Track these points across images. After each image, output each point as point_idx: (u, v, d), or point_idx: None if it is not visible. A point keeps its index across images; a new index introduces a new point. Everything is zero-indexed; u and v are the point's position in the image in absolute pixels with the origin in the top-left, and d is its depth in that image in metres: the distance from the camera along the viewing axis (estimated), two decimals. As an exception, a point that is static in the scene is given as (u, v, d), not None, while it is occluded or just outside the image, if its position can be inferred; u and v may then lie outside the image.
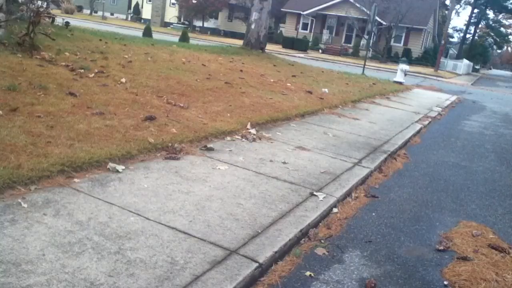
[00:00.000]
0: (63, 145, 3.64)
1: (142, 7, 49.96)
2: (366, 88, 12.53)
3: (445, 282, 2.81)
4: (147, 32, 22.34)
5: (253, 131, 5.45)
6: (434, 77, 26.45)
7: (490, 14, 60.02)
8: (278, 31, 43.30)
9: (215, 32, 44.26)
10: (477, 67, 54.12)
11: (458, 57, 47.99)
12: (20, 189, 2.91)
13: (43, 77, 5.86)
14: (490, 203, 4.52)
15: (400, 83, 16.33)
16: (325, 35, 40.58)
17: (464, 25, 69.74)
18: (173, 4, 46.35)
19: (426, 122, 8.84)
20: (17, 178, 2.94)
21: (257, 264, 2.54)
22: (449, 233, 3.55)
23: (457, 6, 57.51)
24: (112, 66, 7.69)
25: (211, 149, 4.50)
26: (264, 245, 2.76)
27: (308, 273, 2.72)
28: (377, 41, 36.29)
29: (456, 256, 3.15)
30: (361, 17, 34.79)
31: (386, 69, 26.91)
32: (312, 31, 40.85)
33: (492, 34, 62.58)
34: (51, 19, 8.74)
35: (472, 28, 59.00)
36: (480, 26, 61.20)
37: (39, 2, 8.97)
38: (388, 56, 35.49)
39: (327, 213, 3.57)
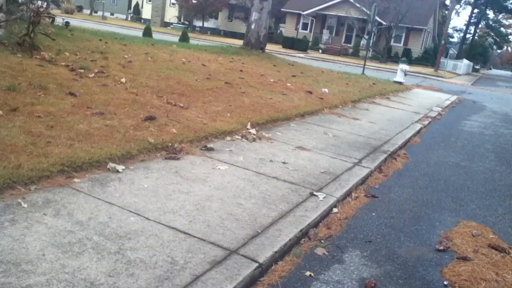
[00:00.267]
0: (63, 145, 3.64)
1: (142, 7, 49.96)
2: (366, 88, 12.53)
3: (445, 282, 2.81)
4: (147, 32, 22.34)
5: (253, 131, 5.45)
6: (434, 77, 26.45)
7: (490, 14, 60.07)
8: (278, 31, 43.30)
9: (215, 32, 44.26)
10: (477, 67, 54.12)
11: (458, 57, 47.98)
12: (20, 189, 2.91)
13: (43, 77, 5.86)
14: (490, 203, 4.52)
15: (400, 83, 16.34)
16: (325, 35, 40.58)
17: (464, 25, 69.77)
18: (173, 4, 46.35)
19: (426, 122, 8.84)
20: (17, 178, 2.94)
21: (257, 264, 2.54)
22: (449, 233, 3.55)
23: (457, 6, 57.54)
24: (112, 66, 7.69)
25: (211, 149, 4.50)
26: (264, 245, 2.76)
27: (308, 273, 2.72)
28: (377, 41, 36.29)
29: (456, 256, 3.15)
30: (361, 17, 34.77)
31: (386, 69, 26.92)
32: (312, 31, 40.85)
33: (492, 34, 62.58)
34: (51, 19, 8.76)
35: (472, 28, 59.05)
36: (480, 26, 61.21)
37: (39, 2, 8.97)
38: (388, 56, 35.49)
39: (327, 213, 3.57)
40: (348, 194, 4.06)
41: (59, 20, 11.13)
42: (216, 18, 46.07)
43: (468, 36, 58.87)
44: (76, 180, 3.22)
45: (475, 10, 56.76)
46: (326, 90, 10.28)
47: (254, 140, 5.15)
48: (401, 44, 38.18)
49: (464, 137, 8.10)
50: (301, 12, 40.04)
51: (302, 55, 29.31)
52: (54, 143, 3.64)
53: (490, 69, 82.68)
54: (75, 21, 19.60)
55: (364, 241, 3.26)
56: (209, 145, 4.58)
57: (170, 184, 3.48)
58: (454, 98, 14.97)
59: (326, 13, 39.58)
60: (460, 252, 3.21)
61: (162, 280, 2.24)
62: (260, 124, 5.89)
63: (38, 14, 7.43)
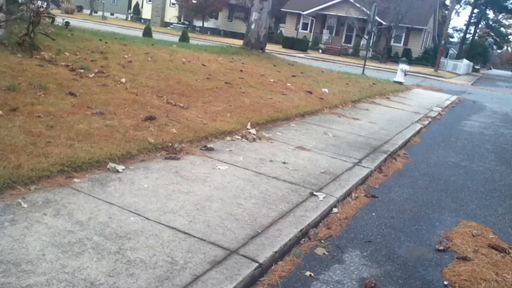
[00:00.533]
0: (63, 145, 3.64)
1: (142, 7, 49.96)
2: (366, 88, 12.53)
3: (445, 282, 2.81)
4: (147, 32, 22.34)
5: (253, 131, 5.45)
6: (434, 77, 26.45)
7: (490, 14, 60.08)
8: (278, 31, 43.30)
9: (215, 32, 44.26)
10: (477, 67, 54.12)
11: (458, 57, 47.98)
12: (20, 189, 2.91)
13: (43, 77, 5.86)
14: (490, 203, 4.52)
15: (400, 83, 16.34)
16: (325, 35, 40.58)
17: (464, 25, 69.79)
18: (173, 4, 46.35)
19: (426, 122, 8.84)
20: (17, 178, 2.94)
21: (257, 264, 2.54)
22: (449, 233, 3.55)
23: (457, 6, 57.56)
24: (112, 66, 7.69)
25: (211, 149, 4.50)
26: (264, 245, 2.76)
27: (308, 273, 2.72)
28: (377, 41, 36.29)
29: (456, 256, 3.15)
30: (361, 17, 34.78)
31: (386, 69, 26.92)
32: (312, 31, 40.85)
33: (492, 34, 62.59)
34: (51, 19, 8.76)
35: (472, 28, 59.05)
36: (480, 26, 61.22)
37: (39, 2, 8.97)
38: (388, 56, 35.49)
39: (327, 213, 3.57)
40: (348, 194, 4.06)
41: (59, 20, 11.13)
42: (216, 18, 46.07)
43: (468, 36, 58.91)
44: (76, 180, 3.22)
45: (475, 10, 56.78)
46: (326, 90, 10.28)
47: (254, 140, 5.15)
48: (401, 44, 38.19)
49: (464, 137, 8.10)
50: (301, 12, 40.04)
51: (302, 55, 29.31)
52: (54, 143, 3.64)
53: (490, 69, 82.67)
54: (75, 21, 19.60)
55: (364, 241, 3.26)
56: (209, 145, 4.58)
57: (170, 184, 3.48)
58: (454, 98, 14.97)
59: (326, 13, 39.58)
60: (460, 252, 3.21)
61: (162, 280, 2.24)
62: (260, 124, 5.89)
63: (38, 14, 7.43)
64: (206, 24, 43.91)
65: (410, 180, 4.95)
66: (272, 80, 10.30)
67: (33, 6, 8.14)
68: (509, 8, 55.83)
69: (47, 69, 6.38)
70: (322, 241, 3.14)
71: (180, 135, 4.59)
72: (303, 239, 3.12)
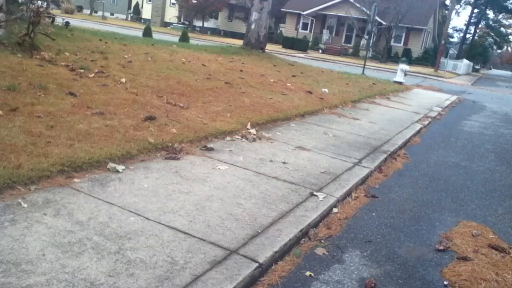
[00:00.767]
0: (63, 145, 3.64)
1: (142, 7, 49.96)
2: (366, 88, 12.53)
3: (445, 282, 2.81)
4: (147, 32, 22.33)
5: (253, 131, 5.45)
6: (434, 77, 26.44)
7: (490, 14, 60.08)
8: (278, 31, 43.30)
9: (215, 32, 44.26)
10: (477, 67, 54.12)
11: (458, 57, 47.98)
12: (20, 189, 2.91)
13: (43, 77, 5.86)
14: (490, 203, 4.52)
15: (400, 83, 16.34)
16: (325, 35, 40.57)
17: (464, 25, 69.80)
18: (173, 4, 46.35)
19: (426, 122, 8.84)
20: (17, 178, 2.94)
21: (257, 264, 2.54)
22: (449, 233, 3.55)
23: (457, 6, 57.56)
24: (112, 66, 7.69)
25: (211, 149, 4.50)
26: (264, 245, 2.76)
27: (308, 273, 2.72)
28: (377, 41, 36.29)
29: (456, 256, 3.15)
30: (361, 17, 34.78)
31: (386, 69, 26.92)
32: (312, 31, 40.85)
33: (492, 34, 62.58)
34: (51, 19, 8.76)
35: (472, 28, 59.04)
36: (480, 26, 61.21)
37: (39, 2, 8.98)
38: (388, 56, 35.49)
39: (327, 213, 3.57)
40: (348, 194, 4.06)
41: (59, 20, 11.13)
42: (216, 18, 46.07)
43: (468, 36, 58.91)
44: (76, 180, 3.22)
45: (475, 10, 56.78)
46: (326, 90, 10.28)
47: (254, 140, 5.15)
48: (401, 44, 38.18)
49: (464, 137, 8.10)
50: (301, 12, 40.04)
51: (302, 55, 29.30)
52: (54, 143, 3.64)
53: (490, 69, 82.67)
54: (75, 21, 19.60)
55: (364, 241, 3.26)
56: (209, 145, 4.58)
57: (170, 184, 3.48)
58: (454, 98, 14.97)
59: (326, 13, 39.58)
60: (460, 252, 3.21)
61: (162, 280, 2.24)
62: (260, 124, 5.89)
63: (38, 14, 7.43)
64: (206, 24, 43.91)
65: (410, 180, 4.95)
66: (272, 80, 10.30)
67: (33, 6, 8.14)
68: (509, 8, 55.83)
69: (47, 69, 6.38)
70: (322, 241, 3.14)
71: (180, 135, 4.59)
72: (303, 239, 3.12)
